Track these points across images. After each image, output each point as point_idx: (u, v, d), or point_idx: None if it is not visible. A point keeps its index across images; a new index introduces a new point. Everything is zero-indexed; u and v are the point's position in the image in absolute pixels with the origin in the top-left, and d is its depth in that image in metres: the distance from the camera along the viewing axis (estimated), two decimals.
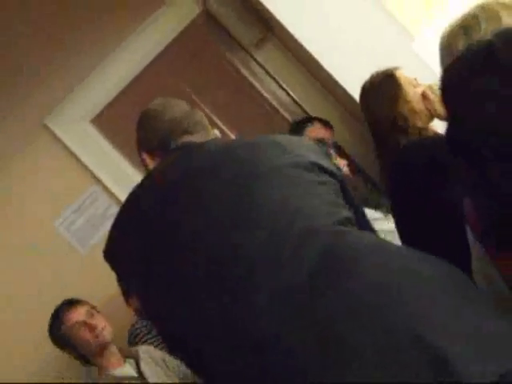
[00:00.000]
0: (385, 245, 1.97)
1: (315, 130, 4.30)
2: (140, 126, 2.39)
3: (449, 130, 2.01)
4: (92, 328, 3.72)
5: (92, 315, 3.77)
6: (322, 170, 2.08)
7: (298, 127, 4.36)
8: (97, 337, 3.72)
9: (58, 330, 3.79)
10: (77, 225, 4.83)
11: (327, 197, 2.03)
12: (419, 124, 3.10)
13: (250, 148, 2.14)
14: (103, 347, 3.75)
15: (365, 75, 3.38)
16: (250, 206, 1.96)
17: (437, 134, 3.16)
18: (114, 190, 4.78)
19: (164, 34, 4.82)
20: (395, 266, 1.84)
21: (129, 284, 2.34)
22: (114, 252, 2.21)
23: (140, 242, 2.10)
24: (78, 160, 4.83)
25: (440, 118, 3.11)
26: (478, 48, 1.91)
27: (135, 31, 4.76)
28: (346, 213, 2.03)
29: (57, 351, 4.05)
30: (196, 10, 4.80)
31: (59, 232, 4.82)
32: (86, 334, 3.72)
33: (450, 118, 1.99)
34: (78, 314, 3.75)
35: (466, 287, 1.86)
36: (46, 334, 3.92)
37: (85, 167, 4.82)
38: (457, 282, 1.87)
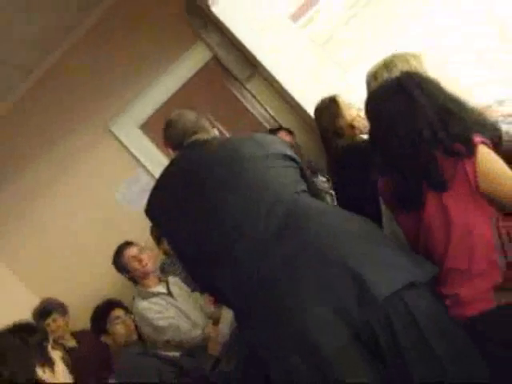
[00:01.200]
0: (325, 206, 2.06)
1: (282, 136, 4.33)
2: (164, 131, 2.40)
3: (371, 135, 2.06)
4: (140, 260, 3.74)
5: (141, 252, 3.80)
6: (288, 157, 2.11)
7: (271, 133, 4.38)
8: (143, 266, 3.75)
9: (120, 260, 3.81)
10: (129, 194, 4.86)
11: (290, 175, 2.07)
12: (351, 133, 3.14)
13: (240, 142, 2.17)
14: (146, 274, 3.78)
15: (317, 99, 3.41)
16: (240, 182, 2.00)
17: (362, 140, 3.21)
18: (153, 172, 4.79)
19: (189, 70, 4.82)
20: (332, 220, 1.90)
21: (160, 231, 2.36)
22: (151, 210, 2.23)
23: (167, 204, 2.14)
24: (130, 153, 4.87)
25: (363, 132, 3.16)
26: (391, 82, 1.96)
27: (170, 67, 4.76)
28: (303, 186, 2.06)
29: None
30: (208, 55, 4.79)
31: (117, 198, 4.87)
32: (135, 264, 3.76)
33: (372, 128, 2.04)
34: (132, 251, 3.78)
35: (379, 236, 1.90)
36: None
37: (135, 157, 4.86)
38: (373, 232, 1.91)
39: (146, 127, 4.94)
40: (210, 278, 2.03)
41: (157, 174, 4.63)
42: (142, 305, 3.68)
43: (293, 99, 4.28)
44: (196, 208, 2.03)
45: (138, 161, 4.87)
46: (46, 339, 1.95)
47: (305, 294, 1.74)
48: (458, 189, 1.80)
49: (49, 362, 1.88)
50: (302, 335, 1.71)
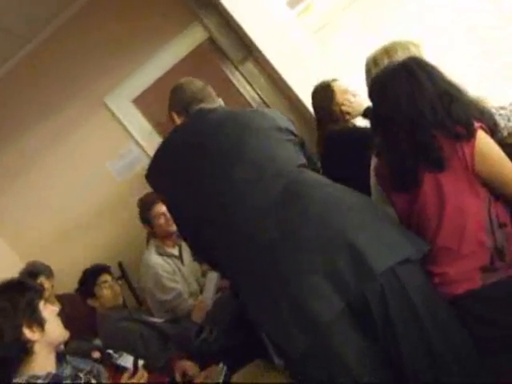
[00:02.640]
0: (326, 180, 1.99)
1: None
2: (171, 95, 2.32)
3: (373, 115, 2.06)
4: (167, 219, 3.70)
5: None
6: (290, 132, 2.08)
7: None
8: (168, 226, 3.72)
9: (148, 213, 3.79)
10: (119, 165, 4.82)
11: (292, 149, 2.04)
12: (345, 118, 3.15)
13: (246, 113, 2.15)
14: (169, 233, 3.77)
15: (310, 86, 3.40)
16: (245, 152, 1.97)
17: (354, 125, 3.22)
18: (143, 144, 4.78)
19: (184, 49, 4.76)
20: (334, 192, 1.89)
21: (160, 196, 2.31)
22: (151, 174, 2.19)
23: (169, 169, 2.10)
24: (122, 125, 4.82)
25: (354, 117, 3.18)
26: (398, 64, 1.96)
27: (166, 45, 4.69)
28: (303, 160, 2.04)
29: None
30: (205, 36, 4.74)
31: (108, 168, 4.83)
32: (161, 221, 3.73)
33: (375, 108, 2.04)
34: (162, 208, 3.69)
35: (377, 211, 1.89)
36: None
37: (127, 130, 4.81)
38: (371, 207, 1.90)
39: (138, 101, 4.89)
40: (207, 245, 2.00)
41: (146, 147, 4.68)
42: (156, 259, 3.70)
43: (285, 84, 4.23)
44: (199, 175, 2.00)
45: (129, 133, 4.82)
46: (40, 297, 1.91)
47: (302, 261, 1.73)
48: (455, 169, 1.81)
49: (38, 322, 1.85)
50: (298, 301, 1.71)
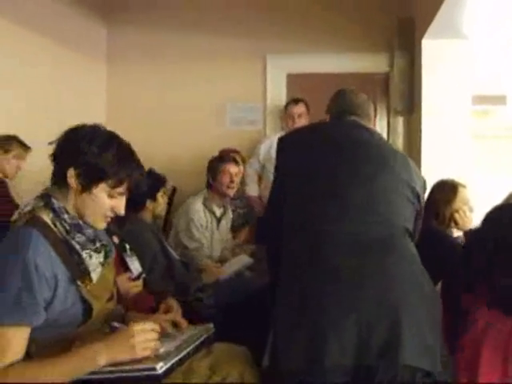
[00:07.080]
0: (416, 258, 1.99)
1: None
2: (335, 96, 2.38)
3: (482, 233, 2.10)
4: (231, 181, 3.87)
5: (237, 175, 3.93)
6: (417, 198, 2.10)
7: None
8: (227, 187, 3.87)
9: (216, 165, 3.90)
10: (237, 115, 5.08)
11: (410, 211, 2.06)
12: (449, 224, 3.17)
13: (395, 155, 2.14)
14: (224, 194, 3.94)
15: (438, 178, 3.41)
16: (371, 183, 2.00)
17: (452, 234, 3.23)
18: (268, 112, 5.05)
19: (363, 66, 4.94)
20: (413, 270, 1.93)
21: (278, 162, 2.26)
22: (287, 140, 2.26)
23: (304, 149, 2.16)
24: (263, 86, 5.09)
25: (459, 229, 3.19)
26: None
27: (354, 52, 4.91)
28: (410, 226, 2.06)
29: None
30: (385, 70, 4.91)
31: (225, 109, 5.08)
32: (225, 179, 3.87)
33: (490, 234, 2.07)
34: (233, 168, 3.90)
35: (435, 312, 1.92)
36: None
37: (264, 91, 5.09)
38: (434, 305, 1.93)
39: (290, 78, 5.08)
40: (286, 235, 2.03)
41: (269, 113, 4.96)
42: (199, 207, 3.80)
43: (415, 161, 4.23)
44: (323, 176, 2.05)
45: (264, 95, 5.05)
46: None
47: (348, 301, 1.78)
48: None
49: None
50: (321, 326, 1.75)
